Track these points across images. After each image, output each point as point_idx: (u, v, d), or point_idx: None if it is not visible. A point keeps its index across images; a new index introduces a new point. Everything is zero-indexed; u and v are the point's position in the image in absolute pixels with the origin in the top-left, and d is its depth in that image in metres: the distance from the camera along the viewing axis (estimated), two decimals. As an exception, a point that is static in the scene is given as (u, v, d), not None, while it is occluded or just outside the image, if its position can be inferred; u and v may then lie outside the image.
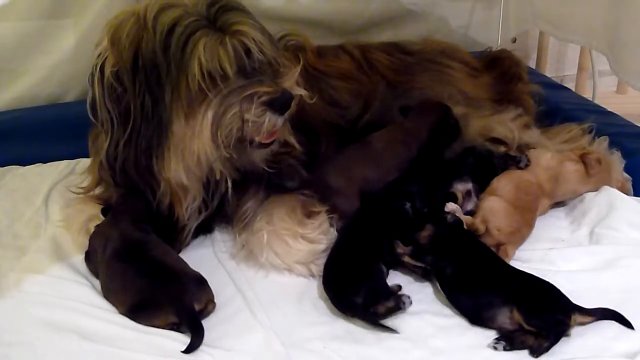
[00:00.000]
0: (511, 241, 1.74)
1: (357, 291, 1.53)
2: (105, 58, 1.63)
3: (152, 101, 1.60)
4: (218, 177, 1.72)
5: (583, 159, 1.96)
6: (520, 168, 1.92)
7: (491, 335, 1.48)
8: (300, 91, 1.71)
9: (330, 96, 2.12)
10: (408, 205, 1.77)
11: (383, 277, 1.62)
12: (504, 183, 1.87)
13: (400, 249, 1.66)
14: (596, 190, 1.98)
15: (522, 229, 1.78)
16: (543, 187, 1.89)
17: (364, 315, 1.53)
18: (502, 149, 1.98)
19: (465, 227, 1.74)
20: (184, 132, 1.61)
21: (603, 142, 2.17)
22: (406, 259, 1.65)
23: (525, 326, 1.45)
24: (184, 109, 1.59)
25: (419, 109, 2.08)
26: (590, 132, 2.23)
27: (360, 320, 1.54)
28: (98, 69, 1.64)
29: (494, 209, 1.78)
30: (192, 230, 1.83)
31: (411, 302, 1.55)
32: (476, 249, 1.67)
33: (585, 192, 1.97)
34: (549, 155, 1.96)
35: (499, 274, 1.58)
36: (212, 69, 1.56)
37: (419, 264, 1.65)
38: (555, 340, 1.42)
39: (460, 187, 1.88)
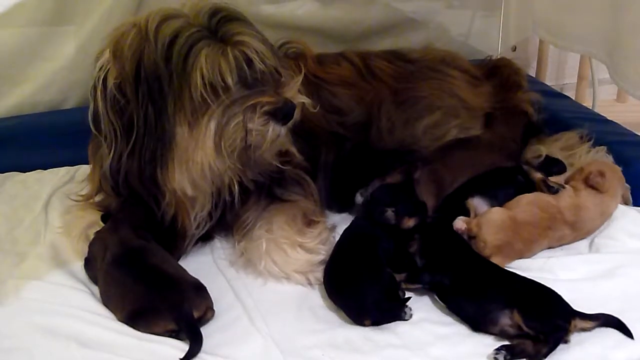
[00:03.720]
0: (495, 253, 1.72)
1: (368, 290, 1.55)
2: (108, 70, 1.64)
3: (155, 112, 1.60)
4: (226, 185, 1.72)
5: (587, 182, 1.91)
6: None
7: (490, 343, 1.49)
8: (303, 99, 1.71)
9: (330, 103, 2.12)
10: (389, 211, 1.76)
11: (395, 281, 1.63)
12: (525, 200, 1.86)
13: (397, 277, 1.66)
14: (623, 202, 1.96)
15: (515, 244, 1.76)
16: (564, 213, 1.83)
17: (378, 314, 1.54)
18: (539, 176, 1.95)
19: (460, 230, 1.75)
20: (187, 143, 1.61)
21: (601, 151, 2.18)
22: (403, 285, 1.65)
23: (525, 328, 1.45)
24: (187, 120, 1.59)
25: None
26: (589, 140, 2.24)
27: (359, 329, 1.54)
28: (100, 81, 1.65)
29: (489, 220, 1.78)
30: (194, 238, 1.84)
31: (411, 315, 1.57)
32: (470, 255, 1.67)
33: (613, 208, 1.91)
34: (568, 186, 1.92)
35: (498, 278, 1.59)
36: (213, 80, 1.56)
37: (417, 286, 1.65)
38: (554, 345, 1.43)
39: (482, 205, 1.87)
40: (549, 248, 1.83)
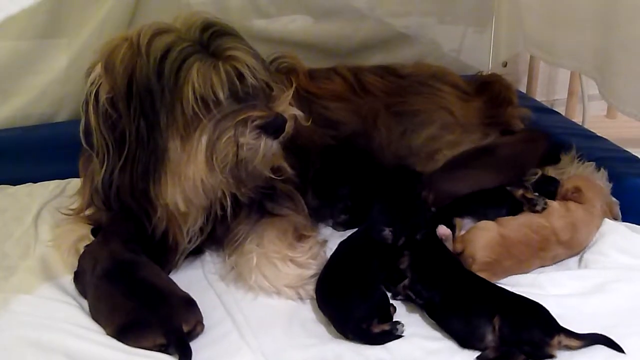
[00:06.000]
0: (483, 269, 1.72)
1: (357, 305, 1.55)
2: (100, 84, 1.64)
3: (147, 127, 1.60)
4: (219, 199, 1.72)
5: (566, 198, 1.93)
6: (537, 211, 1.88)
7: (480, 358, 1.49)
8: (294, 111, 1.72)
9: (323, 118, 2.13)
10: (387, 230, 1.76)
11: (387, 300, 1.63)
12: (517, 222, 1.85)
13: (400, 285, 1.67)
14: (612, 217, 1.98)
15: (504, 262, 1.75)
16: (558, 235, 1.83)
17: (359, 331, 1.53)
18: (520, 192, 1.95)
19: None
20: (179, 158, 1.61)
21: (589, 167, 2.19)
22: (407, 292, 1.65)
23: (506, 343, 1.45)
24: (180, 134, 1.59)
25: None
26: (579, 157, 2.25)
27: (349, 344, 1.53)
28: (92, 95, 1.65)
29: (476, 235, 1.78)
30: (186, 252, 1.83)
31: (404, 330, 1.56)
32: (459, 271, 1.67)
33: (598, 217, 1.92)
34: (557, 204, 1.92)
35: (486, 294, 1.58)
36: (205, 94, 1.56)
37: (415, 297, 1.64)
38: (534, 358, 1.44)
39: (471, 225, 1.87)
40: (542, 266, 1.83)
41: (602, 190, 2.01)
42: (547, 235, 1.82)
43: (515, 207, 1.92)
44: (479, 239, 1.77)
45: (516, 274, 1.77)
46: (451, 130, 2.22)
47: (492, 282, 1.68)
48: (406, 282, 1.66)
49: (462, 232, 1.85)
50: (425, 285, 1.63)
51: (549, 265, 1.84)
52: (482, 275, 1.68)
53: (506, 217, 1.87)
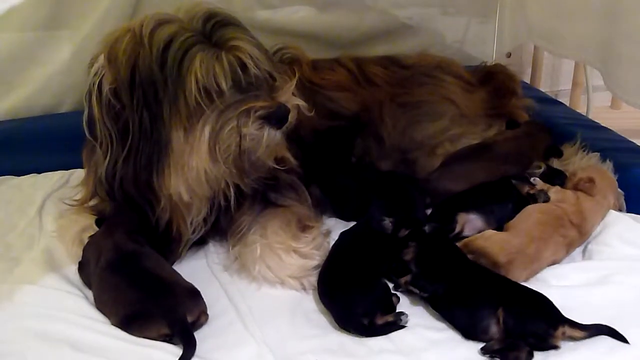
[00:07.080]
0: (510, 268, 1.67)
1: (359, 300, 1.54)
2: (103, 75, 1.64)
3: (151, 117, 1.60)
4: (222, 190, 1.72)
5: (577, 188, 1.93)
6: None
7: (483, 349, 1.49)
8: (297, 101, 1.72)
9: (327, 108, 2.13)
10: (387, 220, 1.76)
11: (389, 292, 1.63)
12: (527, 211, 1.85)
13: (401, 279, 1.66)
14: (616, 208, 1.97)
15: (527, 249, 1.71)
16: (571, 218, 1.82)
17: (361, 327, 1.53)
18: (526, 188, 1.94)
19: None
20: (183, 148, 1.61)
21: (594, 157, 2.19)
22: (409, 287, 1.64)
23: (510, 334, 1.46)
24: (183, 125, 1.59)
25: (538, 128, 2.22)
26: (583, 147, 2.25)
27: (352, 335, 1.54)
28: (95, 86, 1.65)
29: (485, 247, 1.73)
30: (189, 243, 1.84)
31: (407, 320, 1.56)
32: (464, 263, 1.67)
33: (605, 212, 1.92)
34: (569, 191, 1.92)
35: (490, 286, 1.58)
36: (207, 85, 1.56)
37: (417, 291, 1.63)
38: (538, 349, 1.43)
39: (476, 220, 1.86)
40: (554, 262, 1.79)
41: (614, 183, 2.01)
42: (560, 214, 1.82)
43: (520, 202, 1.91)
44: (490, 245, 1.72)
45: (543, 260, 1.74)
46: (455, 122, 2.23)
47: (535, 274, 1.70)
48: (408, 278, 1.65)
49: (463, 227, 1.84)
50: (429, 278, 1.63)
51: (564, 256, 1.80)
52: (519, 273, 1.67)
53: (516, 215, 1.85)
